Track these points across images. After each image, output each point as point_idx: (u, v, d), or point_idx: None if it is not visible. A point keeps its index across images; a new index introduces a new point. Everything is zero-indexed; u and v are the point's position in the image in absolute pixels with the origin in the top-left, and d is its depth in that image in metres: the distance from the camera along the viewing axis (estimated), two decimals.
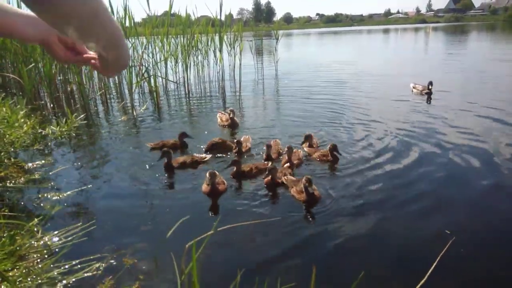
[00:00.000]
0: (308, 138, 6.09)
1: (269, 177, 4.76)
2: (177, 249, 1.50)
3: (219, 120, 7.91)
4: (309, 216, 4.08)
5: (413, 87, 10.51)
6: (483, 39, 35.55)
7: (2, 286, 2.69)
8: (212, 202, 4.49)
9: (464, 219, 3.95)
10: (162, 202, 4.58)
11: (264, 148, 5.73)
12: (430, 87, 9.97)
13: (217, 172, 4.75)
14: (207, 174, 4.59)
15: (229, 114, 7.61)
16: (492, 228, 3.80)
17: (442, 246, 2.64)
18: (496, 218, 3.98)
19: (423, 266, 3.06)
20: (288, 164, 5.29)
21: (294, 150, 5.54)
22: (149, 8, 12.84)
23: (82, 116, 5.33)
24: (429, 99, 9.57)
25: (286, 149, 5.45)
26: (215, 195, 4.60)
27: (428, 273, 1.94)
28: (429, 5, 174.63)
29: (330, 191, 4.61)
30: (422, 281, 1.93)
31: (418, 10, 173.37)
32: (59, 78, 11.40)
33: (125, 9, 10.38)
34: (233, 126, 7.62)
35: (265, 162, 5.44)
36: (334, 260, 3.33)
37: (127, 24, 10.91)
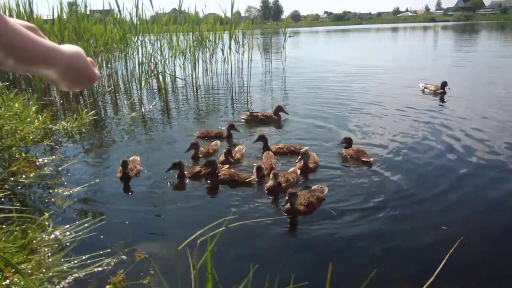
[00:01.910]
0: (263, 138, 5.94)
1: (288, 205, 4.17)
2: (189, 245, 1.54)
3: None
4: (321, 215, 4.09)
5: (424, 87, 10.33)
6: (493, 37, 35.23)
7: (15, 279, 2.74)
8: (223, 199, 4.52)
9: (473, 219, 3.94)
10: (171, 197, 4.62)
11: (255, 165, 5.14)
12: (446, 87, 9.80)
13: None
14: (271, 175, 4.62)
15: (276, 110, 7.79)
16: (500, 228, 3.80)
17: (451, 245, 2.64)
18: (505, 218, 3.97)
19: (432, 265, 3.07)
20: (295, 168, 5.21)
21: (310, 153, 5.40)
22: (152, 8, 12.93)
23: (92, 112, 5.37)
24: (442, 99, 9.44)
25: (300, 156, 5.26)
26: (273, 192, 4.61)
27: (436, 272, 1.95)
28: (438, 4, 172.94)
29: (342, 191, 4.62)
30: (431, 279, 1.94)
31: (427, 9, 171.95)
32: None
33: (136, 6, 10.43)
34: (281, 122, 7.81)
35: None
36: (346, 259, 3.35)
37: (135, 21, 10.97)
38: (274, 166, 5.31)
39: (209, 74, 13.93)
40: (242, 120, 7.77)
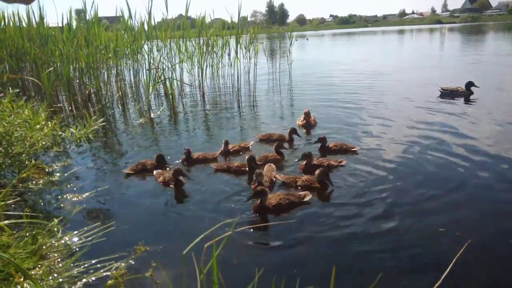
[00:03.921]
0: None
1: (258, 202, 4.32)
2: (195, 249, 1.56)
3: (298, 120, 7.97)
4: (325, 219, 4.09)
5: (445, 89, 10.09)
6: (501, 38, 34.96)
7: (25, 284, 2.78)
8: (230, 204, 4.54)
9: (481, 222, 3.91)
10: (179, 202, 4.67)
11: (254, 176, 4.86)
12: (473, 86, 9.74)
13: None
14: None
15: (304, 116, 7.70)
16: (508, 232, 3.76)
17: (458, 249, 2.63)
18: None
19: (439, 268, 3.06)
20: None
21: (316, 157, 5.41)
22: (167, 11, 13.03)
23: (100, 120, 5.43)
24: (468, 100, 9.38)
25: (301, 156, 5.40)
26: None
27: (443, 275, 1.95)
28: (445, 5, 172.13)
29: (347, 193, 4.63)
30: (438, 283, 1.94)
31: (433, 10, 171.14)
32: (77, 81, 11.62)
33: (149, 14, 10.54)
34: (308, 126, 7.68)
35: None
36: (351, 262, 3.35)
37: (146, 27, 11.07)
38: (274, 178, 5.13)
39: (215, 79, 14.00)
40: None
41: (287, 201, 4.33)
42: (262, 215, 4.21)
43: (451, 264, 2.15)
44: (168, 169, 5.62)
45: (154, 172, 5.38)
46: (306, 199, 4.45)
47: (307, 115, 7.66)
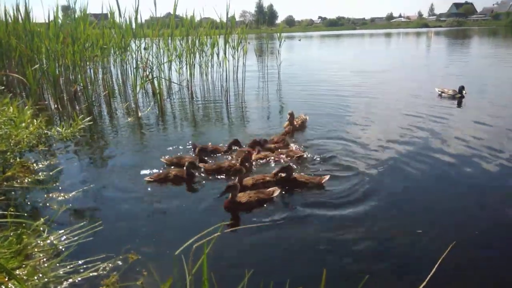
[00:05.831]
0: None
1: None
2: (184, 250, 1.56)
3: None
4: (315, 220, 4.11)
5: (441, 91, 10.40)
6: (486, 42, 35.62)
7: (10, 284, 2.74)
8: (219, 204, 4.53)
9: (466, 224, 3.98)
10: (166, 202, 4.62)
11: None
12: (463, 91, 10.03)
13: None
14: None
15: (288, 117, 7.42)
16: (493, 233, 3.83)
17: (443, 250, 2.68)
18: (498, 223, 4.01)
19: (424, 269, 3.11)
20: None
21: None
22: (155, 9, 12.94)
23: (88, 119, 5.37)
24: (460, 103, 9.63)
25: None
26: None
27: (428, 276, 1.98)
28: (431, 10, 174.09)
29: (337, 196, 4.66)
30: (423, 284, 1.97)
31: (420, 14, 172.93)
32: (63, 78, 11.46)
33: (136, 11, 10.45)
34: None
35: None
36: (340, 264, 3.37)
37: (133, 26, 10.99)
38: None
39: (204, 78, 13.97)
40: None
41: (256, 198, 4.44)
42: (233, 212, 4.27)
43: (436, 265, 2.19)
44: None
45: (147, 178, 5.22)
46: (275, 194, 4.60)
47: (291, 116, 7.37)
